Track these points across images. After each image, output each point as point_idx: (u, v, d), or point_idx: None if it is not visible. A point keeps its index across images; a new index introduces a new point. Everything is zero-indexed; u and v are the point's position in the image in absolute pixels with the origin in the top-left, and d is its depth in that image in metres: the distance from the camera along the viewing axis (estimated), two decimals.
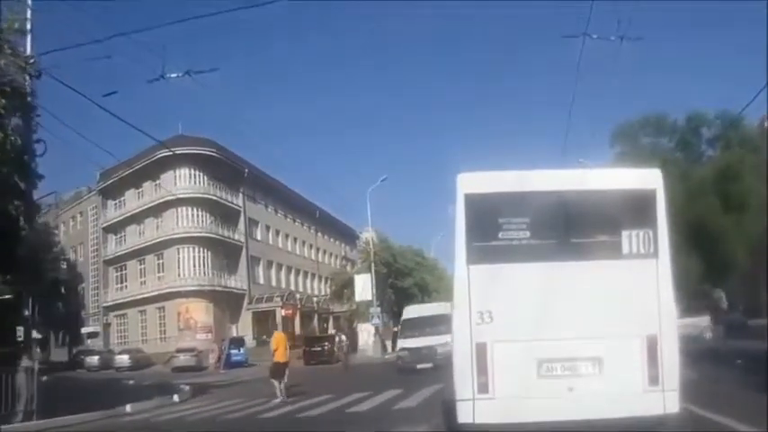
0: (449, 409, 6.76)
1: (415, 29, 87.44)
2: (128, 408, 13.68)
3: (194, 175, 45.64)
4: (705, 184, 31.99)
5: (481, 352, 5.80)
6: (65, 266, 52.82)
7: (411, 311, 24.17)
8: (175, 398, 15.55)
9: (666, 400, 5.65)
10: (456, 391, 5.89)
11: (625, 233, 5.90)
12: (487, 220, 5.98)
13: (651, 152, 36.20)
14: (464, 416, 5.79)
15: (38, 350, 47.97)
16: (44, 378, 30.04)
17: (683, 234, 32.34)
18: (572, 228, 5.95)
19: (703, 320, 22.45)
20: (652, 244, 5.89)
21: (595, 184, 6.24)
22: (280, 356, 14.43)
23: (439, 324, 19.92)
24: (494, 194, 6.09)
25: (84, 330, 52.47)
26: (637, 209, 5.97)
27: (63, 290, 52.70)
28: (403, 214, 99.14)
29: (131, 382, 22.99)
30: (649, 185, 6.06)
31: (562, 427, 5.59)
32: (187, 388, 17.77)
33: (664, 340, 5.72)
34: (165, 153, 39.04)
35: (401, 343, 22.38)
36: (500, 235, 5.94)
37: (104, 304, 50.66)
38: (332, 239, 65.42)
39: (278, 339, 15.04)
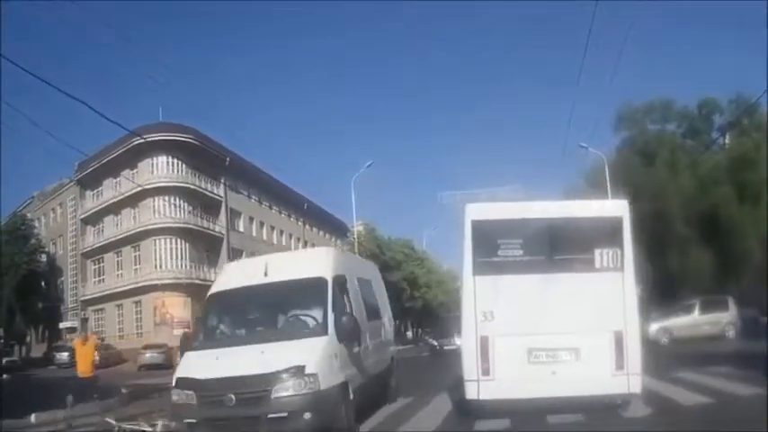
0: (457, 388, 8.10)
1: (410, 23, 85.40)
2: (32, 418, 11.58)
3: (172, 163, 43.28)
4: (718, 173, 29.73)
5: (484, 343, 7.25)
6: (44, 260, 50.90)
7: (234, 274, 9.24)
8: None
9: (630, 382, 7.02)
10: (464, 374, 7.39)
11: (597, 251, 7.34)
12: (489, 240, 7.47)
13: (658, 138, 34.02)
14: (471, 393, 7.36)
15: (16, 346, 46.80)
16: (4, 377, 28.19)
17: (694, 225, 30.15)
18: (556, 247, 7.41)
19: (723, 317, 20.20)
20: (619, 260, 7.33)
21: (574, 213, 7.78)
22: (81, 367, 11.62)
23: (302, 305, 8.10)
24: (494, 221, 7.67)
25: (62, 325, 50.51)
26: (607, 232, 7.43)
27: (43, 284, 50.88)
28: (396, 207, 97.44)
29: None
30: (617, 214, 7.60)
31: (547, 402, 7.13)
32: (124, 391, 15.36)
33: (628, 334, 7.12)
34: (140, 140, 36.70)
35: (186, 365, 7.81)
36: (499, 252, 7.45)
37: (82, 298, 48.71)
38: (321, 232, 63.03)
39: (78, 346, 12.28)
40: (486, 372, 7.20)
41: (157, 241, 43.30)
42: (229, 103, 71.81)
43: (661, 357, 16.00)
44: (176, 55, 74.62)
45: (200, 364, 7.43)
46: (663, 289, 29.03)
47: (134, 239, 44.38)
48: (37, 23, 61.47)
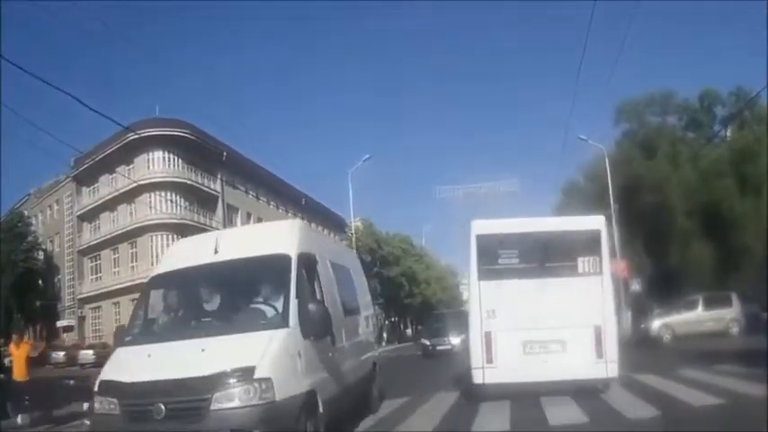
0: (466, 374, 9.53)
1: (408, 19, 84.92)
2: (18, 420, 11.31)
3: (168, 158, 42.90)
4: (720, 166, 29.37)
5: (488, 337, 8.73)
6: (41, 257, 50.52)
7: (181, 253, 7.47)
8: (85, 406, 12.89)
9: (608, 368, 8.46)
10: (472, 362, 8.89)
11: (580, 259, 8.79)
12: (491, 251, 9.02)
13: (658, 131, 33.69)
14: (477, 378, 8.79)
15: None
16: (1, 376, 27.96)
17: (695, 219, 29.81)
18: (546, 256, 8.91)
19: (727, 313, 19.78)
20: (598, 266, 8.80)
21: (560, 227, 9.58)
22: (16, 372, 11.11)
23: (259, 289, 6.50)
24: (494, 235, 9.21)
25: (59, 324, 50.14)
26: (587, 243, 8.87)
27: (40, 282, 50.49)
28: (394, 203, 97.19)
29: (72, 382, 20.20)
30: (596, 227, 9.14)
31: (539, 385, 8.53)
32: None
33: (606, 328, 8.57)
34: (135, 136, 36.39)
35: (113, 364, 6.04)
36: (499, 261, 8.98)
37: (79, 296, 48.38)
38: (320, 227, 62.59)
39: (12, 350, 11.70)
40: (489, 360, 8.70)
41: (154, 237, 42.92)
42: (227, 99, 71.59)
43: (664, 355, 15.75)
44: (173, 52, 74.18)
45: (129, 364, 5.86)
46: (664, 284, 28.71)
47: (130, 236, 44.06)
48: (33, 21, 61.09)
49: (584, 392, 8.44)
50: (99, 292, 46.15)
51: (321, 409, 5.99)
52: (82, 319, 48.20)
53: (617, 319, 9.10)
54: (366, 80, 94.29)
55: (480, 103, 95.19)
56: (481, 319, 8.77)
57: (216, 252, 6.65)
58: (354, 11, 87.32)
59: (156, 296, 6.93)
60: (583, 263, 8.79)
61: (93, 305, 47.28)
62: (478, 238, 9.11)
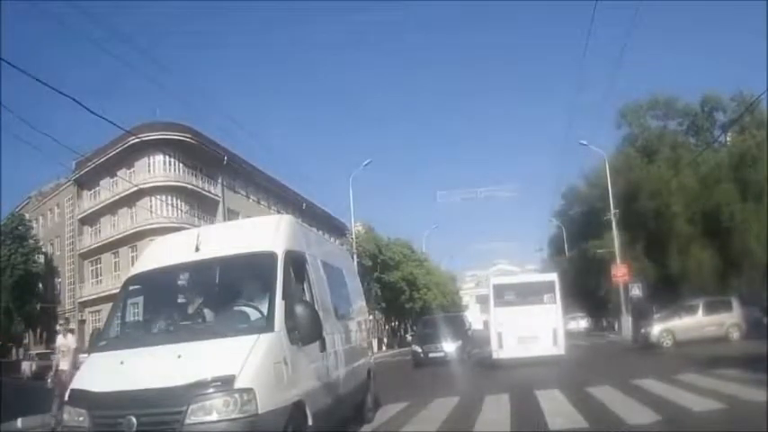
0: (488, 354, 17.63)
1: (410, 24, 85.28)
2: (19, 423, 11.50)
3: (169, 162, 42.77)
4: (721, 171, 29.36)
5: (499, 335, 16.67)
6: (42, 260, 50.44)
7: (160, 251, 6.88)
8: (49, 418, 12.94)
9: (559, 350, 16.28)
10: (492, 346, 16.91)
11: (544, 295, 16.83)
12: (500, 292, 17.38)
13: (659, 136, 33.71)
14: (494, 355, 16.76)
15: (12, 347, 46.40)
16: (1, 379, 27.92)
17: (696, 223, 29.81)
18: (528, 294, 17.07)
19: (727, 318, 19.70)
20: (554, 299, 16.77)
21: (534, 279, 20.61)
22: None
23: (242, 290, 6.15)
24: (502, 284, 18.28)
25: (59, 327, 49.79)
26: (548, 287, 17.08)
27: (40, 285, 50.40)
28: (395, 208, 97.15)
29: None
30: (552, 279, 17.63)
31: (526, 359, 15.85)
32: None
33: (558, 330, 16.53)
34: (136, 140, 36.45)
35: (85, 372, 5.76)
36: (505, 297, 17.20)
37: (79, 300, 48.17)
38: (321, 232, 62.33)
39: None
40: (500, 346, 16.44)
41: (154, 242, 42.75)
42: (228, 103, 71.75)
43: (665, 360, 15.78)
44: (175, 55, 74.40)
45: (101, 372, 5.44)
46: (665, 289, 28.69)
47: (131, 240, 43.84)
48: (34, 23, 61.27)
49: (585, 397, 8.37)
50: (99, 295, 45.86)
51: (310, 422, 5.56)
52: (82, 322, 47.96)
53: (563, 324, 17.45)
54: (368, 86, 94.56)
55: (481, 108, 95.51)
56: (496, 327, 16.67)
57: (197, 250, 6.21)
58: (357, 19, 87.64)
59: (132, 298, 6.52)
60: (546, 297, 16.60)
61: (94, 309, 47.02)
62: (494, 285, 17.58)
